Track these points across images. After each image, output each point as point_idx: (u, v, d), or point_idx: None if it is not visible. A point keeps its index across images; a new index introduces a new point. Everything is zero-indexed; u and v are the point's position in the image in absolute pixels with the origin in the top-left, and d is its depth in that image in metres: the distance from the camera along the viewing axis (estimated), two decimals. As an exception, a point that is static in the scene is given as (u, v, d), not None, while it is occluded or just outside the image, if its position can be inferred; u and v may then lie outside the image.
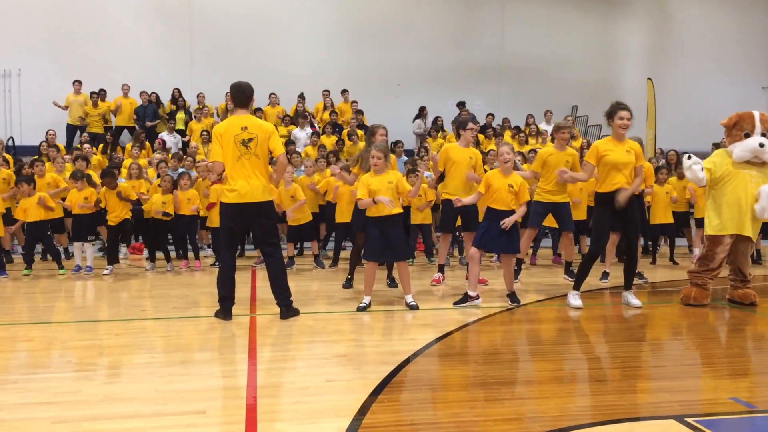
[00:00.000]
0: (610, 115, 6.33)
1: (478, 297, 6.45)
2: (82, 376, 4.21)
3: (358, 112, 15.02)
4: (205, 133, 13.39)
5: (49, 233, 8.94)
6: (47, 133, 12.71)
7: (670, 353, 5.08)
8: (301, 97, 15.40)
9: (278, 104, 15.30)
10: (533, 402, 3.77)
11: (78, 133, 14.14)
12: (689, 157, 6.76)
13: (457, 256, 10.23)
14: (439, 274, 7.85)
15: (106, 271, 8.48)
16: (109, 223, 8.74)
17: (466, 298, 6.43)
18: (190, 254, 9.58)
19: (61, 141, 13.55)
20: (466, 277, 7.81)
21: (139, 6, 16.26)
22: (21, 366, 4.54)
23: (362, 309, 6.20)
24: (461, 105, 16.30)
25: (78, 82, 14.37)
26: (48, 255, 9.31)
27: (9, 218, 8.92)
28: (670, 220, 9.63)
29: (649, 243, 10.51)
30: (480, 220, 6.92)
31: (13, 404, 3.67)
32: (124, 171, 10.33)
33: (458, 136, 7.80)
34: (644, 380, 4.24)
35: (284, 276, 6.00)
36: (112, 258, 8.63)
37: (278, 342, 5.19)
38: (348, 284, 7.51)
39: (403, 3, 17.84)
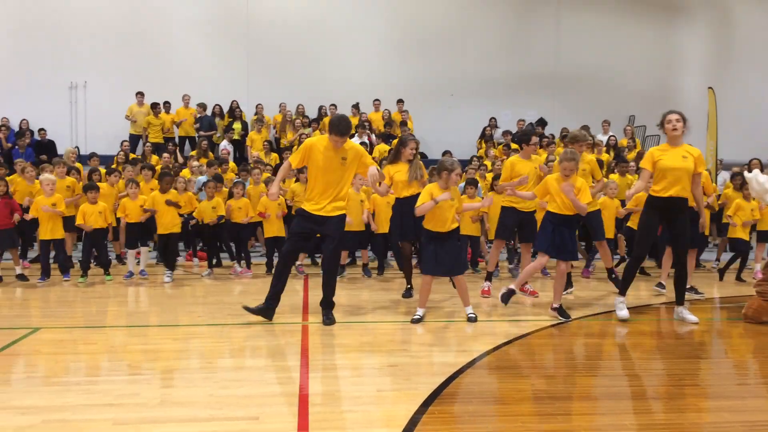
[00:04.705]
0: (662, 123, 6.27)
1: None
2: (140, 380, 4.35)
3: (403, 123, 15.09)
4: (266, 143, 13.68)
5: (105, 241, 9.22)
6: (122, 144, 13.15)
7: (730, 371, 4.91)
8: (356, 107, 15.56)
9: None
10: (587, 418, 3.70)
11: (141, 143, 14.59)
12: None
13: (507, 266, 10.08)
14: (488, 283, 7.77)
15: (167, 278, 8.68)
16: (159, 231, 8.92)
17: (561, 311, 6.44)
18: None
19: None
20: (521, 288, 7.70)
21: (198, 19, 16.71)
22: (84, 368, 4.72)
23: (416, 321, 6.18)
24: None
25: (141, 94, 14.88)
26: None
27: (71, 224, 9.20)
28: (745, 236, 9.25)
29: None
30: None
31: (76, 405, 3.82)
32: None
33: (521, 148, 7.80)
34: (704, 399, 4.11)
35: (326, 281, 6.24)
36: (170, 264, 8.83)
37: (329, 350, 5.24)
38: (408, 294, 7.53)
39: (458, 12, 17.81)
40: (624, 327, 6.18)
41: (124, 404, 3.83)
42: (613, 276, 7.89)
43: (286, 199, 9.81)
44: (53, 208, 8.47)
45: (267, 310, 6.18)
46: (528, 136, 7.65)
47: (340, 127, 5.92)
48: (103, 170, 10.73)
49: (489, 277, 7.83)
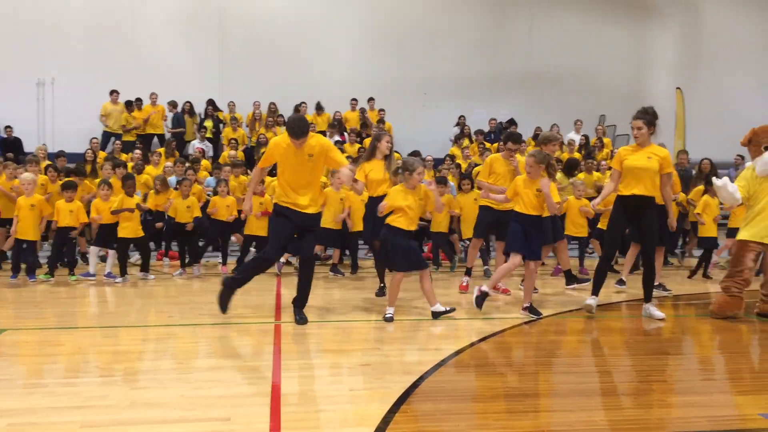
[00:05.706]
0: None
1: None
2: (109, 381, 4.28)
3: (380, 121, 15.08)
4: (233, 141, 13.57)
5: (74, 240, 9.10)
6: (91, 141, 12.93)
7: (697, 367, 5.01)
8: (319, 107, 15.54)
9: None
10: (558, 415, 3.74)
11: (112, 140, 14.35)
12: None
13: (482, 266, 10.12)
14: (467, 278, 7.87)
15: (118, 280, 8.51)
16: (120, 235, 8.65)
17: (532, 309, 6.46)
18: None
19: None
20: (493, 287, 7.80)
21: (170, 16, 16.52)
22: (52, 370, 4.63)
23: (388, 320, 6.19)
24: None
25: (115, 92, 14.66)
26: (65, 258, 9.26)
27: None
28: (714, 233, 9.39)
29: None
30: None
31: (44, 408, 3.75)
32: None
33: (499, 149, 7.90)
34: (671, 394, 4.19)
35: (304, 279, 6.17)
36: (123, 269, 8.65)
37: (303, 350, 5.23)
38: (381, 292, 7.54)
39: (432, 12, 17.87)
40: (593, 324, 6.26)
41: (93, 406, 3.77)
42: (572, 276, 8.06)
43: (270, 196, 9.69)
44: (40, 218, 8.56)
45: (224, 293, 6.10)
46: (507, 139, 7.70)
47: (295, 129, 5.81)
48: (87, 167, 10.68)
49: (468, 272, 7.94)
